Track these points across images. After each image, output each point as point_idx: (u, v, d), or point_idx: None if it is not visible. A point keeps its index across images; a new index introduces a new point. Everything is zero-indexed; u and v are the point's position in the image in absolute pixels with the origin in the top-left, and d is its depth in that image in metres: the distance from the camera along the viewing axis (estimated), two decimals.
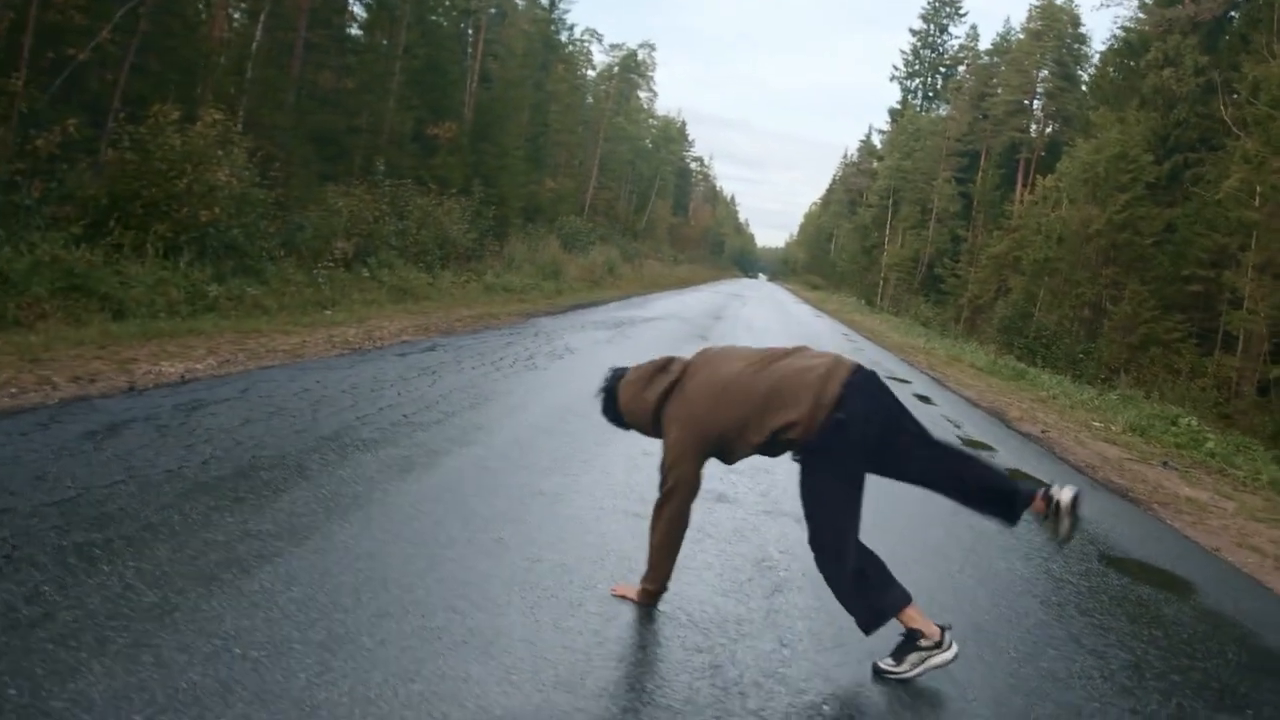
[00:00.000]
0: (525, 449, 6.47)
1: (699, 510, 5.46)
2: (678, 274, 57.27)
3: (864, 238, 66.63)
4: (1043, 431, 12.17)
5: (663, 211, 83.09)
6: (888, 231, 61.81)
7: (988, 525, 6.48)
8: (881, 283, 60.11)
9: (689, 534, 4.90)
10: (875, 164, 73.44)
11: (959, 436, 10.55)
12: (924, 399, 14.01)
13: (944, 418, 12.09)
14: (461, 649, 3.24)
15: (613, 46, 73.78)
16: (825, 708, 3.26)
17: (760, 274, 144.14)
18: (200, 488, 4.57)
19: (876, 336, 29.15)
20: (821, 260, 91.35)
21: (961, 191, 55.14)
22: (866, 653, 3.76)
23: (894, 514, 5.70)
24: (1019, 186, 51.16)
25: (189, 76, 15.74)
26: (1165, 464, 10.96)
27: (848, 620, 4.07)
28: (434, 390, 8.20)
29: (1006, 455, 9.80)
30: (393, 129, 25.72)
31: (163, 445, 5.29)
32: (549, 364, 11.03)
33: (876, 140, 78.36)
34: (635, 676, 3.29)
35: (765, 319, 27.11)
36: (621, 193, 70.25)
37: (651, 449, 6.84)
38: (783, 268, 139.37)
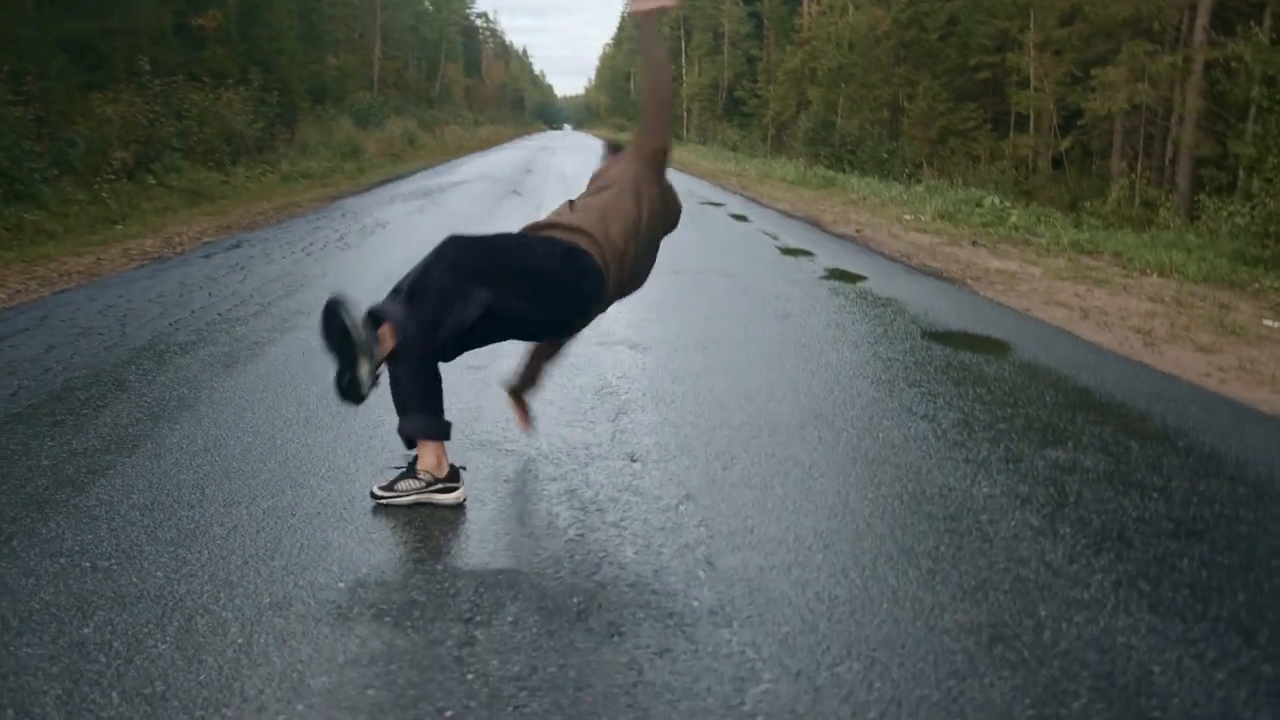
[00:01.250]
0: None
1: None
2: (480, 136, 55.95)
3: None
4: (857, 230, 12.53)
5: (455, 75, 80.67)
6: (684, 62, 61.56)
7: (815, 323, 6.74)
8: (685, 114, 60.11)
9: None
10: None
11: (777, 247, 10.79)
12: (740, 218, 14.24)
13: (761, 232, 12.32)
14: (316, 520, 3.22)
15: None
16: (681, 508, 3.36)
17: (565, 124, 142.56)
18: (13, 419, 4.35)
19: (687, 167, 29.28)
20: (624, 101, 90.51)
21: (751, 12, 55.09)
22: (715, 455, 3.89)
23: (724, 321, 5.84)
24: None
25: None
26: (974, 243, 11.46)
27: (693, 429, 4.20)
28: (246, 285, 7.92)
29: (825, 258, 10.08)
30: (151, 26, 24.14)
31: None
32: (361, 241, 10.76)
33: None
34: (494, 514, 3.32)
35: (575, 166, 26.88)
36: (409, 61, 67.82)
37: None
38: (587, 114, 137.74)
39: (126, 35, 23.13)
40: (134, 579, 2.80)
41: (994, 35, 28.54)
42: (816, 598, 2.73)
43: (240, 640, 2.46)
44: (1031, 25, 25.26)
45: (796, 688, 2.27)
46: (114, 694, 2.22)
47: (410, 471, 3.38)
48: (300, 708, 2.19)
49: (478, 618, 2.60)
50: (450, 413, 4.19)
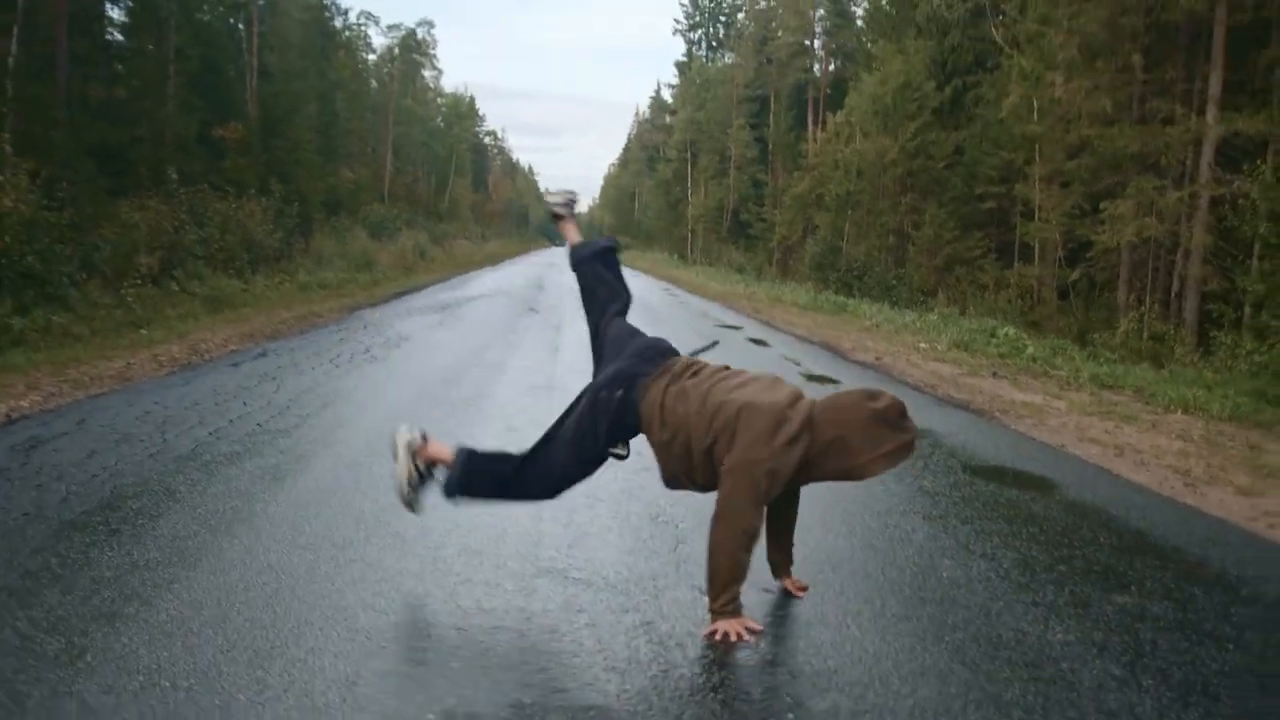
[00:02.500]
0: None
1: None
2: (487, 250, 56.67)
3: (667, 192, 67.25)
4: (876, 359, 12.61)
5: (463, 190, 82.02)
6: (690, 184, 62.59)
7: None
8: (690, 235, 60.87)
9: (583, 501, 4.95)
10: (669, 118, 74.21)
11: (801, 374, 10.84)
12: (760, 342, 14.33)
13: (783, 358, 12.40)
14: (394, 645, 3.18)
15: (390, 27, 72.49)
16: (761, 645, 3.32)
17: (568, 242, 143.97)
18: (68, 526, 4.33)
19: (697, 289, 29.60)
20: (627, 220, 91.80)
21: (757, 137, 56.21)
22: (783, 590, 3.86)
23: None
24: (811, 125, 52.55)
25: None
26: (995, 374, 11.52)
27: (756, 562, 4.18)
28: (280, 396, 7.94)
29: (851, 385, 10.12)
30: (176, 135, 24.61)
31: (10, 490, 4.97)
32: (387, 354, 10.82)
33: (667, 95, 79.16)
34: (572, 645, 3.28)
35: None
36: (420, 175, 69.11)
37: (517, 422, 6.83)
38: (590, 232, 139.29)
39: (152, 144, 23.57)
40: (216, 701, 2.75)
41: (1000, 166, 29.05)
42: None
43: None
44: (1038, 157, 25.75)
45: None
46: None
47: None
48: None
49: None
50: (509, 539, 4.19)
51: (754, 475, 3.29)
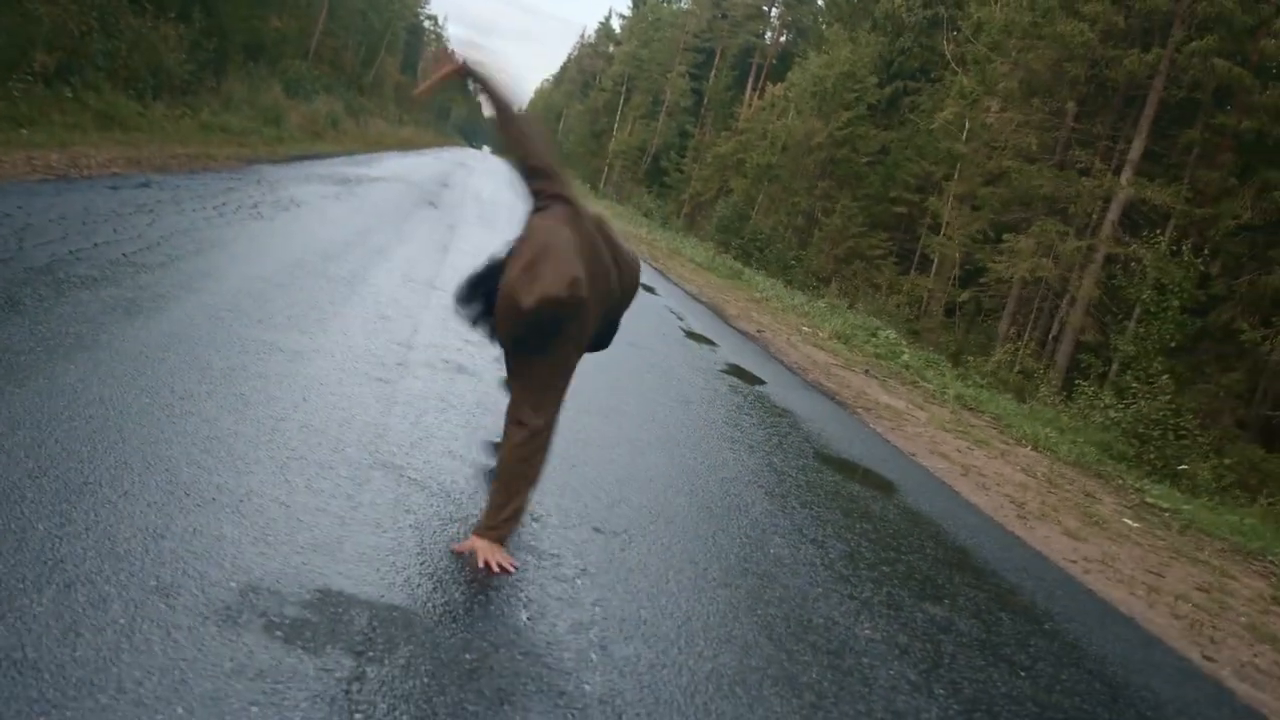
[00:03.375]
0: (258, 301, 6.14)
1: (440, 382, 5.42)
2: (401, 135, 55.30)
3: (593, 121, 66.78)
4: (758, 331, 12.73)
5: (391, 68, 79.61)
6: (618, 118, 62.14)
7: (715, 417, 6.79)
8: (607, 169, 60.54)
9: (435, 404, 4.89)
10: (612, 49, 73.45)
11: (682, 329, 10.88)
12: (649, 289, 14.33)
13: (668, 309, 12.43)
14: (211, 506, 3.08)
15: None
16: (578, 582, 3.33)
17: (485, 146, 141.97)
18: None
19: None
20: (552, 140, 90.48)
21: (694, 88, 56.05)
22: (615, 533, 3.87)
23: (629, 394, 5.84)
24: (749, 90, 52.58)
25: None
26: (867, 372, 11.73)
27: (595, 500, 4.18)
28: (153, 230, 7.62)
29: (727, 351, 10.21)
30: None
31: None
32: (275, 214, 10.48)
33: (616, 25, 78.26)
34: (393, 544, 3.23)
35: (493, 191, 26.78)
36: (349, 42, 66.84)
37: (390, 313, 6.70)
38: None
39: None
40: (14, 526, 2.64)
41: (919, 175, 29.54)
42: (704, 710, 2.72)
43: (122, 621, 2.34)
44: (957, 174, 26.21)
45: None
46: None
47: None
48: (179, 710, 2.08)
49: (370, 653, 2.52)
50: (354, 427, 4.10)
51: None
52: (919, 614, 4.00)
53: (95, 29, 16.79)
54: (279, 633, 2.48)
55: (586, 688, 2.66)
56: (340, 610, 2.69)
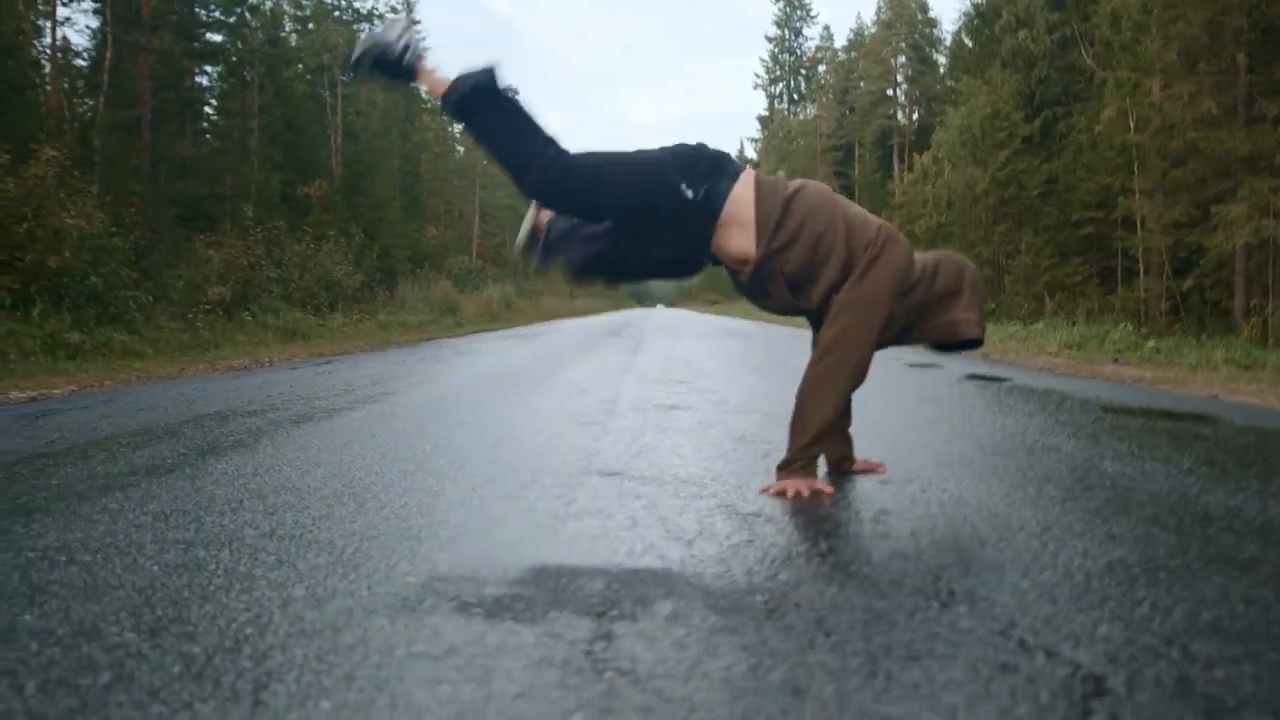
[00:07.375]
0: (459, 394, 5.59)
1: (653, 417, 4.69)
2: (575, 306, 56.40)
3: None
4: (983, 355, 11.64)
5: None
6: None
7: (973, 404, 5.79)
8: None
9: (652, 430, 4.16)
10: None
11: (904, 362, 9.94)
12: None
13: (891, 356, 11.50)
14: (397, 534, 2.39)
15: None
16: (885, 519, 2.47)
17: (658, 304, 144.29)
18: (39, 457, 3.64)
19: (783, 322, 28.71)
20: (715, 278, 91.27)
21: (843, 185, 55.47)
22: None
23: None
24: (896, 168, 51.74)
25: (22, 143, 14.43)
26: (1116, 360, 10.49)
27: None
28: (331, 381, 7.25)
29: (956, 369, 9.21)
30: (259, 190, 24.44)
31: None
32: (454, 358, 10.15)
33: (750, 151, 78.81)
34: (625, 521, 2.46)
35: (673, 320, 26.60)
36: (508, 239, 69.33)
37: (589, 389, 6.06)
38: (680, 294, 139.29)
39: (234, 199, 23.36)
40: (118, 573, 1.98)
41: (1096, 191, 27.90)
42: (1129, 599, 1.81)
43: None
44: (1137, 171, 24.62)
45: None
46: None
47: None
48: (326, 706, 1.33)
49: (613, 612, 1.72)
50: (566, 453, 3.41)
51: (879, 315, 2.84)
52: None
53: (262, 259, 17.36)
54: (477, 610, 1.72)
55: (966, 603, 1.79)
56: (564, 580, 1.92)
